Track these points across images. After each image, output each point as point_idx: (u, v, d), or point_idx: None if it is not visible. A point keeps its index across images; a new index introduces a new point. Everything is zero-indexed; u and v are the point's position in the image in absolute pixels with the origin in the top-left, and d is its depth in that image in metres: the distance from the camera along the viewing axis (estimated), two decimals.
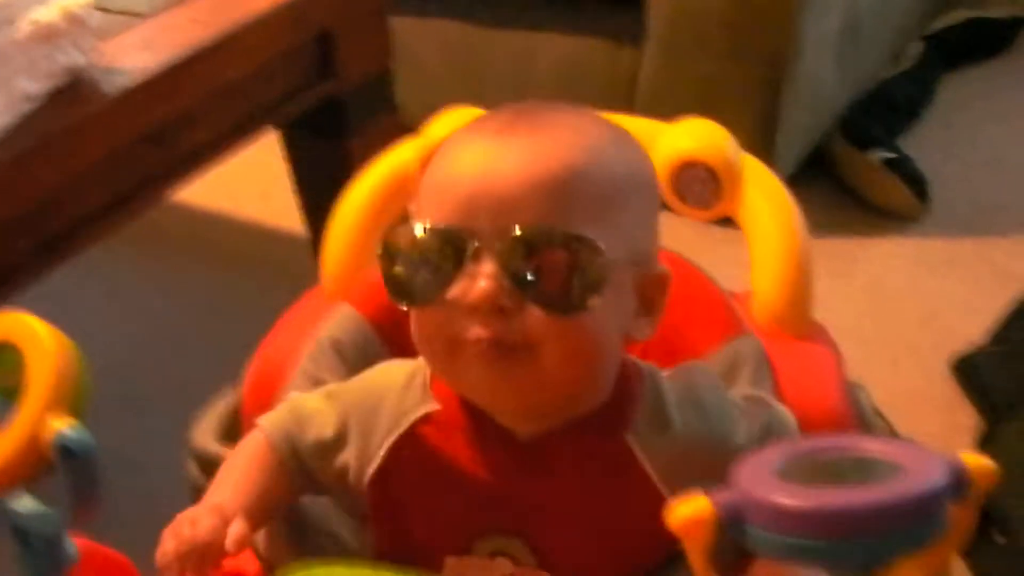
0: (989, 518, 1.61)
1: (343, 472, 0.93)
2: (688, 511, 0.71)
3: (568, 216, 0.83)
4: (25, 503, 0.82)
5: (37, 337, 0.81)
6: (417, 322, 0.87)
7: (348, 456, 0.93)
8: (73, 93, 1.32)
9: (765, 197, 1.19)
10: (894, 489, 0.69)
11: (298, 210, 1.81)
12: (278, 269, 2.02)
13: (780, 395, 1.06)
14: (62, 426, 0.78)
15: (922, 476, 0.70)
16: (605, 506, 0.89)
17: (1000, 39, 2.73)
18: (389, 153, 1.25)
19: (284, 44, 1.53)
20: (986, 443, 1.66)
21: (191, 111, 1.45)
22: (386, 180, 1.23)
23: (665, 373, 0.94)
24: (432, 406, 0.91)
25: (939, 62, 2.58)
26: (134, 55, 1.39)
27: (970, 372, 1.85)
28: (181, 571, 0.84)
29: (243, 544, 0.85)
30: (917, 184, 2.26)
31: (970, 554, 1.58)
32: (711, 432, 0.90)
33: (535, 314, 0.83)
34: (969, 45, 2.66)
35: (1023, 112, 2.54)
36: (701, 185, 1.20)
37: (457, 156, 0.87)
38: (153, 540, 0.84)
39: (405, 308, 0.88)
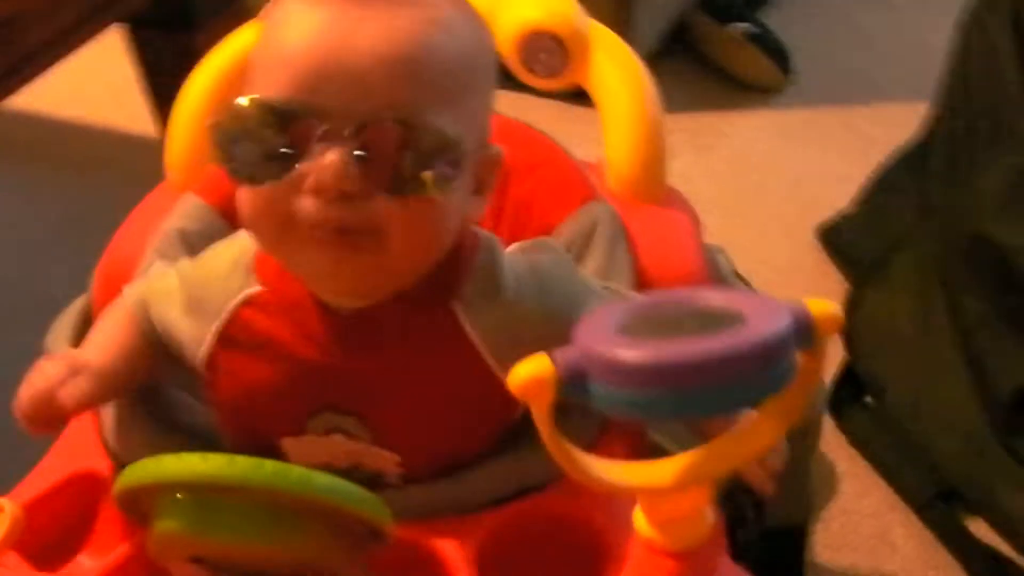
0: (860, 383, 1.63)
1: (182, 354, 0.91)
2: (527, 371, 0.69)
3: (420, 98, 0.80)
4: None
5: None
6: (250, 200, 0.82)
7: (184, 337, 0.91)
8: None
9: (615, 64, 1.18)
10: (736, 336, 0.67)
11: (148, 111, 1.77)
12: (132, 173, 1.98)
13: (636, 260, 1.06)
14: None
15: (765, 323, 0.68)
16: (434, 379, 0.87)
17: None
18: (230, 39, 1.21)
19: None
20: (853, 308, 1.68)
21: (29, 6, 1.39)
22: (228, 66, 1.20)
23: (514, 246, 0.92)
24: (254, 288, 0.89)
25: None
26: None
27: (835, 238, 1.87)
28: (34, 420, 0.85)
29: (80, 399, 0.87)
30: (779, 56, 2.26)
31: (843, 419, 1.60)
32: (550, 308, 0.87)
33: (381, 199, 0.79)
34: None
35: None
36: (548, 55, 1.18)
37: (302, 25, 0.80)
38: None
39: (242, 186, 0.84)
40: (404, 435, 0.87)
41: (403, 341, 0.86)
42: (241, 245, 0.91)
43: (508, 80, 1.03)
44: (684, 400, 0.67)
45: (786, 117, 2.19)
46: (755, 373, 0.67)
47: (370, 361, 0.86)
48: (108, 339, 0.94)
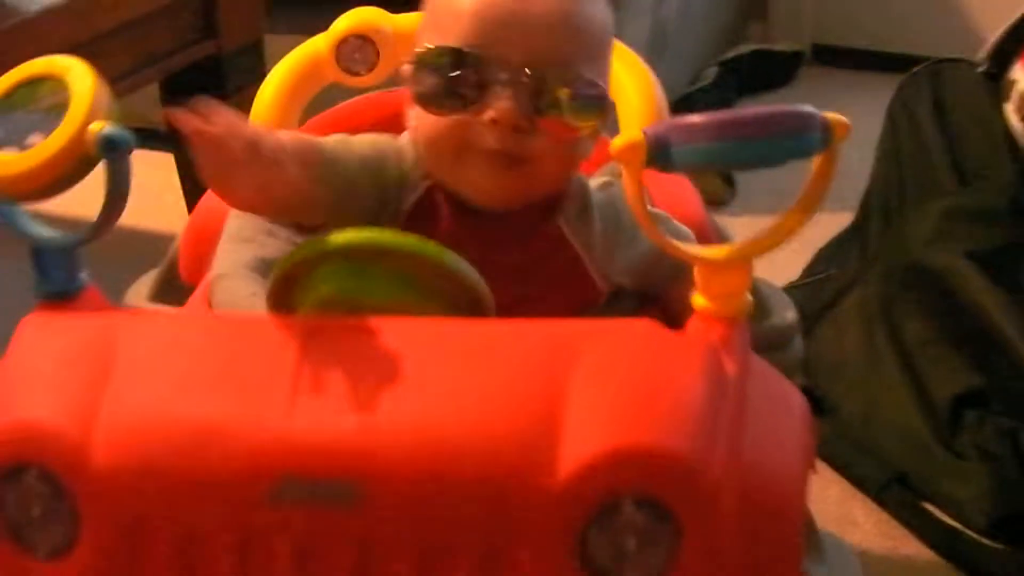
0: (817, 402, 1.84)
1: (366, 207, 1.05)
2: (624, 139, 0.90)
3: (578, 55, 1.03)
4: (44, 229, 0.98)
5: (78, 65, 0.97)
6: (434, 126, 1.03)
7: (368, 199, 1.06)
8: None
9: (627, 68, 1.41)
10: (777, 107, 0.90)
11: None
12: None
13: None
14: (105, 127, 0.94)
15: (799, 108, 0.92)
16: (540, 269, 1.06)
17: (784, 71, 3.05)
18: (303, 45, 1.43)
19: None
20: (807, 343, 1.89)
21: (93, 45, 1.60)
22: (301, 66, 1.40)
23: (593, 182, 1.13)
24: (428, 182, 1.07)
25: (733, 85, 2.87)
26: None
27: None
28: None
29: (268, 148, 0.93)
30: (727, 177, 2.52)
31: None
32: (622, 229, 1.09)
33: (541, 136, 1.02)
34: (758, 73, 2.96)
35: None
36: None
37: None
38: None
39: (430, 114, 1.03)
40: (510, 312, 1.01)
41: (523, 242, 1.07)
42: (403, 142, 1.08)
43: None
44: (740, 149, 0.89)
45: (731, 222, 2.43)
46: (791, 134, 0.90)
47: (499, 253, 1.05)
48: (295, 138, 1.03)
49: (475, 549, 0.84)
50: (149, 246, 2.09)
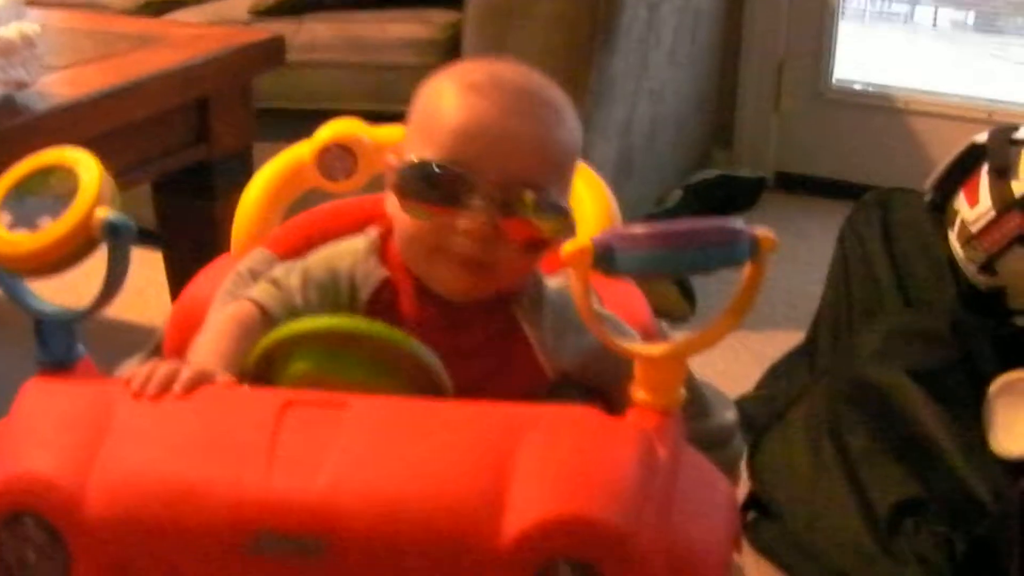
0: (764, 508, 1.94)
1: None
2: (573, 245, 1.02)
3: (548, 177, 1.15)
4: (46, 303, 1.09)
5: (86, 157, 1.08)
6: (413, 228, 1.15)
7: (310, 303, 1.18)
8: (10, 104, 1.60)
9: (584, 182, 1.52)
10: (708, 220, 1.02)
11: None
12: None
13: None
14: (109, 213, 1.05)
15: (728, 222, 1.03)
16: (494, 352, 1.17)
17: (747, 196, 3.18)
18: (287, 150, 1.54)
19: (174, 99, 1.83)
20: (755, 452, 2.00)
21: (93, 143, 1.71)
22: (285, 170, 1.51)
23: (553, 280, 1.23)
24: (385, 273, 1.19)
25: (696, 208, 2.99)
26: (60, 88, 1.68)
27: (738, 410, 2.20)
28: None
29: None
30: (686, 291, 2.63)
31: (751, 532, 1.90)
32: (570, 323, 1.18)
33: (505, 244, 1.13)
34: (721, 198, 3.08)
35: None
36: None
37: (465, 108, 1.13)
38: None
39: (411, 216, 1.15)
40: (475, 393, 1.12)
41: (480, 328, 1.17)
42: (365, 240, 1.21)
43: None
44: (677, 258, 1.00)
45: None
46: (721, 244, 1.01)
47: (463, 337, 1.16)
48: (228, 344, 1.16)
49: None
50: (131, 336, 2.20)
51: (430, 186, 1.13)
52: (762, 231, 1.04)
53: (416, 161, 1.14)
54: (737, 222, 1.03)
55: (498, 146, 1.13)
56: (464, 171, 1.12)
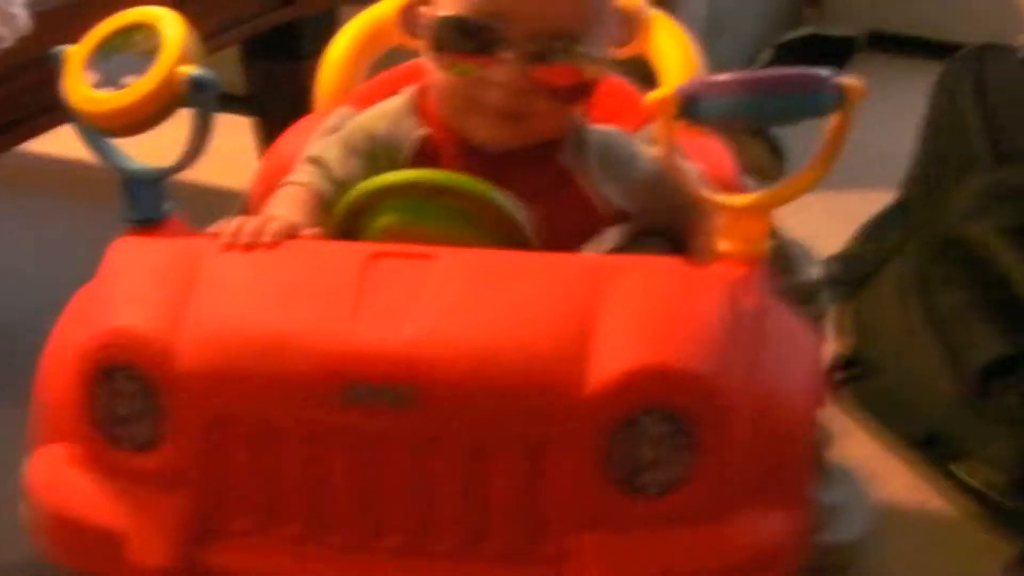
0: (857, 365, 1.93)
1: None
2: (658, 94, 1.01)
3: (585, 30, 1.14)
4: (132, 161, 1.10)
5: (168, 14, 1.09)
6: (445, 79, 1.15)
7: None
8: None
9: (668, 36, 1.50)
10: (795, 69, 1.00)
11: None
12: None
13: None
14: (193, 70, 1.06)
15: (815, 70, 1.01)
16: (546, 200, 1.15)
17: (839, 54, 3.12)
18: (368, 9, 1.53)
19: None
20: (848, 309, 1.98)
21: (180, 6, 1.71)
22: (368, 28, 1.50)
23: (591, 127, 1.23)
24: (425, 130, 1.19)
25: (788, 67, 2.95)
26: None
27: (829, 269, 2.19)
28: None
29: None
30: (776, 150, 2.61)
31: (843, 390, 1.90)
32: (616, 161, 1.19)
33: (540, 95, 1.13)
34: (812, 56, 3.02)
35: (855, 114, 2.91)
36: (621, 28, 1.50)
37: None
38: None
39: (444, 70, 1.15)
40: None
41: (528, 179, 1.16)
42: (402, 99, 1.22)
43: None
44: (762, 104, 0.99)
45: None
46: (807, 92, 1.00)
47: (506, 188, 1.14)
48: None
49: (514, 450, 0.94)
50: (224, 203, 2.21)
51: (462, 39, 1.13)
52: (849, 80, 1.03)
53: (447, 15, 1.14)
54: (823, 71, 1.02)
55: None
56: (494, 22, 1.12)
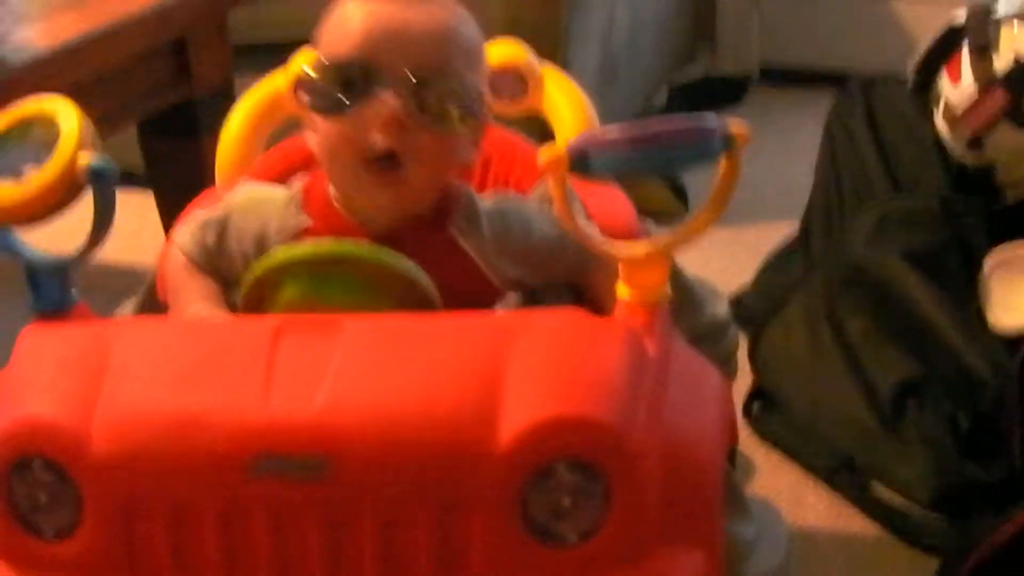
0: (767, 398, 1.97)
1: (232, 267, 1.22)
2: (548, 153, 1.03)
3: (456, 61, 1.16)
4: (37, 252, 1.11)
5: (64, 104, 1.10)
6: (329, 133, 1.16)
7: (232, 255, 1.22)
8: None
9: (559, 89, 1.53)
10: (681, 119, 1.03)
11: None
12: None
13: (590, 215, 1.39)
14: (92, 158, 1.07)
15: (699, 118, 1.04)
16: (440, 279, 1.15)
17: (732, 92, 3.18)
18: (263, 81, 1.55)
19: (151, 41, 1.83)
20: (756, 343, 2.02)
21: (75, 92, 1.72)
22: (263, 101, 1.52)
23: (484, 195, 1.25)
24: (307, 221, 1.21)
25: (684, 108, 3.00)
26: (36, 39, 1.69)
27: (736, 306, 2.22)
28: None
29: None
30: (678, 191, 2.64)
31: (756, 424, 1.93)
32: (510, 233, 1.20)
33: (424, 133, 1.14)
34: (707, 96, 3.09)
35: (753, 149, 2.96)
36: (512, 86, 1.53)
37: (366, 11, 1.16)
38: None
39: (322, 119, 1.16)
40: None
41: (419, 253, 1.16)
42: (287, 191, 1.23)
43: None
44: (651, 157, 1.02)
45: None
46: (694, 142, 1.03)
47: None
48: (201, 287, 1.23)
49: (431, 513, 0.96)
50: (129, 279, 2.21)
51: (340, 84, 1.14)
52: (735, 124, 1.05)
53: (322, 63, 1.16)
54: (709, 118, 1.04)
55: (401, 35, 1.14)
56: (368, 62, 1.14)
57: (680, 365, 1.06)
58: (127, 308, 1.44)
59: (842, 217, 2.08)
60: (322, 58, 1.17)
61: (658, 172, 1.05)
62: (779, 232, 2.35)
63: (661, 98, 2.98)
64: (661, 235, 1.09)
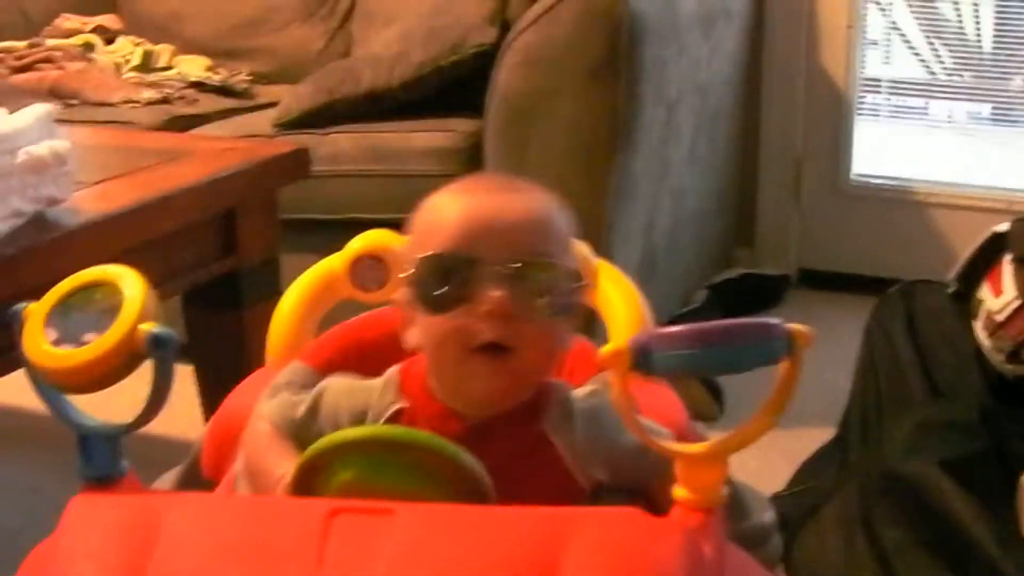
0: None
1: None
2: (611, 347, 1.03)
3: (552, 248, 1.16)
4: (90, 418, 1.10)
5: (129, 273, 1.10)
6: (435, 327, 1.15)
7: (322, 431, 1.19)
8: (43, 220, 1.63)
9: (614, 285, 1.53)
10: (745, 320, 1.03)
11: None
12: None
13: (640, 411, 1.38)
14: (153, 327, 1.07)
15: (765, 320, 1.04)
16: (526, 475, 1.16)
17: (771, 294, 3.20)
18: (320, 263, 1.55)
19: (203, 212, 1.85)
20: (790, 549, 1.99)
21: (124, 258, 1.73)
22: (318, 282, 1.51)
23: (578, 391, 1.24)
24: (403, 403, 1.20)
25: (720, 307, 3.01)
26: (91, 203, 1.71)
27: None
28: None
29: None
30: (715, 392, 2.63)
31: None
32: (604, 434, 1.19)
33: (529, 323, 1.13)
34: (746, 295, 3.10)
35: None
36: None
37: (464, 202, 1.17)
38: None
39: (431, 314, 1.15)
40: None
41: (510, 445, 1.16)
42: (382, 379, 1.23)
43: None
44: (714, 356, 1.01)
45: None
46: (757, 342, 1.02)
47: (485, 460, 1.13)
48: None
49: None
50: (163, 451, 2.20)
51: (443, 277, 1.14)
52: (798, 327, 1.05)
53: (424, 256, 1.16)
54: (772, 320, 1.05)
55: (497, 224, 1.15)
56: (472, 253, 1.13)
57: (734, 567, 1.04)
58: (167, 481, 1.44)
59: (879, 422, 2.07)
60: (422, 253, 1.17)
61: (720, 371, 1.04)
62: (814, 437, 2.33)
63: (699, 297, 2.98)
64: (719, 437, 1.08)
